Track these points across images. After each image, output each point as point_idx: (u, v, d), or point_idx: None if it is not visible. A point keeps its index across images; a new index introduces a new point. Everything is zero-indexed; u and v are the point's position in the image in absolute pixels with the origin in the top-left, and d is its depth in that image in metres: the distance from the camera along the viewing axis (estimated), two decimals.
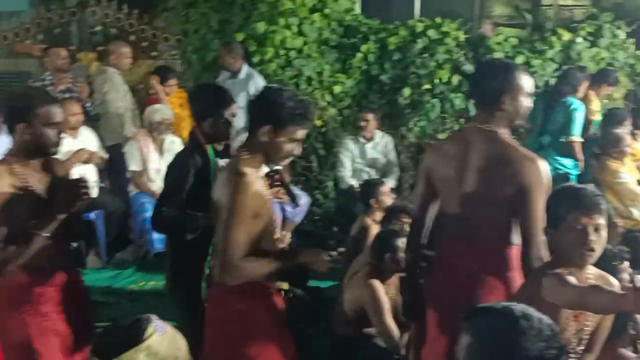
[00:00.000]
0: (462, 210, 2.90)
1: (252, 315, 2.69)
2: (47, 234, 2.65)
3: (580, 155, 5.99)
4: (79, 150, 5.86)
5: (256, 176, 2.68)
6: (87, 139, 6.05)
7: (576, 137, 5.94)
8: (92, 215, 6.02)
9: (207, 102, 3.51)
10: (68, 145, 5.88)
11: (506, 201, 2.78)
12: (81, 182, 2.75)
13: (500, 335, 1.56)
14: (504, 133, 2.86)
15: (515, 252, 2.83)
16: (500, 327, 1.57)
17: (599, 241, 2.45)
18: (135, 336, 1.77)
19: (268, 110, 2.65)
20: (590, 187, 2.57)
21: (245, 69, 6.53)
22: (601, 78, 6.54)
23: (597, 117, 6.31)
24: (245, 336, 2.68)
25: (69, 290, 2.86)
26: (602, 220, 2.45)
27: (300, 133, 2.69)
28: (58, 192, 2.72)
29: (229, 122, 3.47)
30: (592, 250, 2.45)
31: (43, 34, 8.34)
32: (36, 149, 2.74)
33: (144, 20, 8.47)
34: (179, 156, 3.59)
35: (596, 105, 6.45)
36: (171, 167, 3.56)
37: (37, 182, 2.73)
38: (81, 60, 8.07)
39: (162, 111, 6.17)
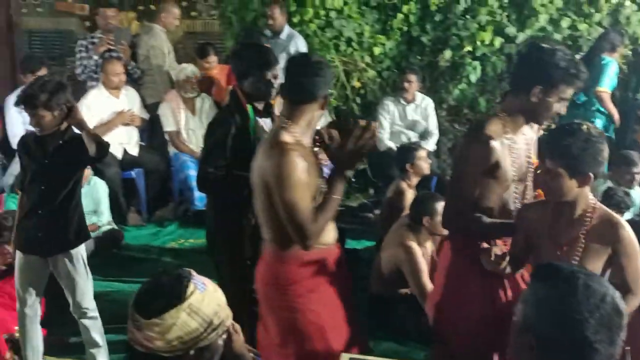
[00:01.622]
0: None
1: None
2: (340, 196, 2.64)
3: (609, 105, 5.85)
4: (120, 112, 5.96)
5: (506, 137, 2.67)
6: (129, 100, 6.14)
7: (604, 87, 5.80)
8: (133, 173, 6.14)
9: (250, 62, 3.48)
10: (112, 106, 5.99)
11: None
12: (364, 128, 2.61)
13: (555, 301, 1.45)
14: None
15: None
16: (557, 294, 1.45)
17: None
18: (177, 294, 1.74)
19: (540, 70, 2.60)
20: None
21: (286, 30, 6.49)
22: None
23: None
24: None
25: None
26: None
27: (569, 92, 2.64)
28: (339, 149, 2.67)
29: (270, 82, 3.46)
30: None
31: None
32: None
33: None
34: (219, 115, 3.61)
35: None
36: (211, 126, 3.57)
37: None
38: (121, 20, 8.09)
39: (186, 69, 6.24)
